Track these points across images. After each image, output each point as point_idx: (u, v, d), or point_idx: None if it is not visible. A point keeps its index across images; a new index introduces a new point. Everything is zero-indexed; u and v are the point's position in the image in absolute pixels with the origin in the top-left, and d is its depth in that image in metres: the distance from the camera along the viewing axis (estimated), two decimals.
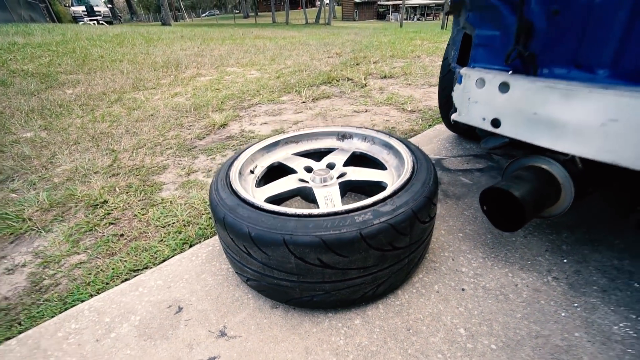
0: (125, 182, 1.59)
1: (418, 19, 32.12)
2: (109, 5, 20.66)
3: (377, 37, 7.83)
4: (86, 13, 18.13)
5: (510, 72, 0.82)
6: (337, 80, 3.24)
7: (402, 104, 2.44)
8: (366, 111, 2.33)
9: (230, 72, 4.05)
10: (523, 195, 0.75)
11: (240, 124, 2.30)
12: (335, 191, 0.89)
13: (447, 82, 1.52)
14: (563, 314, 0.75)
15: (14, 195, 1.56)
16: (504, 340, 0.70)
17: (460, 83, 0.91)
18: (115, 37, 6.85)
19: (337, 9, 35.38)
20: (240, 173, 0.93)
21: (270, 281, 0.74)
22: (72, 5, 19.08)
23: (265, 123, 2.28)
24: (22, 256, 1.17)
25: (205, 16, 55.88)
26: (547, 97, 0.71)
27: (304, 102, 2.64)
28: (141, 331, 0.79)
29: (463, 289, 0.83)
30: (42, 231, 1.28)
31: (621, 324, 0.72)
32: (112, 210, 1.38)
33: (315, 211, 0.70)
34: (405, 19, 29.33)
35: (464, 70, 0.90)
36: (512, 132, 0.80)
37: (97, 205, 1.41)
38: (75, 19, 18.25)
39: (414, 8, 32.96)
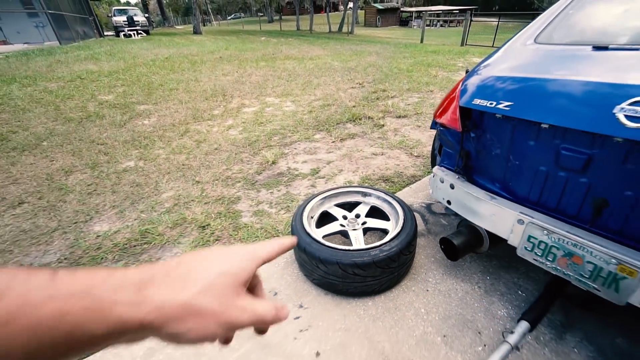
0: (216, 210, 2.38)
1: (441, 25, 32.23)
2: (146, 15, 22.11)
3: (397, 60, 8.48)
4: (127, 23, 19.50)
5: (457, 177, 1.53)
6: (359, 119, 3.97)
7: (411, 148, 3.14)
8: (382, 154, 3.05)
9: (270, 104, 4.85)
10: (459, 243, 1.46)
11: (287, 161, 3.07)
12: (360, 234, 1.63)
13: (434, 156, 2.22)
14: (476, 305, 1.45)
15: (143, 215, 2.38)
16: (442, 315, 1.42)
17: (432, 175, 1.63)
18: (166, 61, 7.84)
19: (360, 13, 35.88)
20: (308, 217, 1.69)
21: (326, 281, 1.48)
22: (115, 15, 20.49)
23: (305, 162, 3.04)
24: (170, 256, 1.96)
25: (231, 19, 57.77)
26: (470, 198, 1.42)
27: (333, 142, 3.38)
28: None
29: (427, 290, 1.55)
30: (175, 243, 2.08)
31: (504, 310, 1.42)
32: (214, 230, 2.16)
33: (351, 247, 1.44)
34: (428, 25, 29.62)
35: (435, 169, 1.62)
36: (456, 209, 1.51)
37: (204, 226, 2.20)
38: (117, 29, 19.59)
39: (437, 14, 33.07)
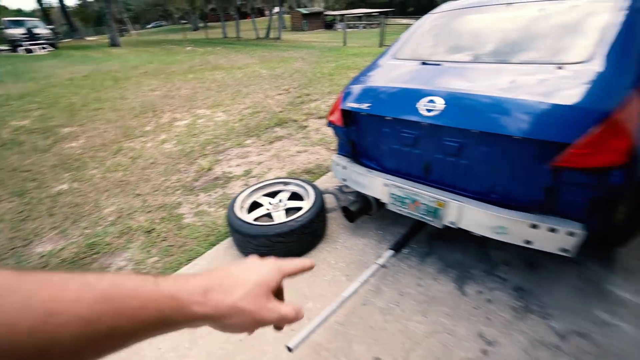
0: (159, 216, 2.64)
1: (364, 27, 34.32)
2: (50, 27, 19.95)
3: (320, 64, 9.16)
4: (27, 36, 17.26)
5: (348, 160, 2.06)
6: (286, 123, 4.45)
7: (329, 143, 3.69)
8: (305, 151, 3.55)
9: (201, 115, 5.08)
10: (354, 208, 1.99)
11: (221, 167, 3.40)
12: (282, 213, 2.08)
13: None
14: (371, 251, 2.00)
15: (88, 230, 2.55)
16: (347, 262, 1.93)
17: (333, 162, 2.15)
18: (85, 80, 7.48)
19: (286, 18, 36.49)
20: (240, 207, 2.09)
21: (258, 252, 1.90)
22: (8, 27, 17.86)
23: (238, 165, 3.40)
24: (121, 262, 2.20)
25: (151, 27, 54.33)
26: (356, 174, 1.95)
27: (263, 145, 3.80)
28: None
29: (337, 247, 2.05)
30: (123, 249, 2.32)
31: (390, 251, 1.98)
32: (160, 233, 2.44)
33: (273, 222, 1.88)
34: (351, 28, 31.38)
35: (333, 157, 2.13)
36: (350, 185, 2.04)
37: (150, 231, 2.46)
38: (13, 43, 17.17)
39: (359, 17, 35.14)
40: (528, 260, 1.86)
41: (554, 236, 1.33)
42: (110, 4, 17.63)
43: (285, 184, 2.36)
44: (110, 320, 0.29)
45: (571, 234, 1.30)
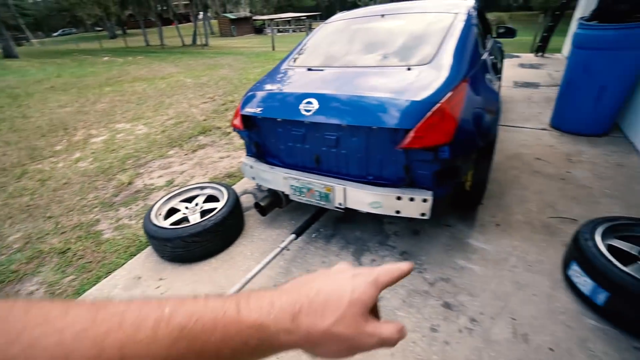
0: (75, 235, 2.57)
1: (293, 31, 34.85)
2: None
3: (247, 71, 9.24)
4: None
5: (254, 160, 2.26)
6: (209, 130, 4.50)
7: None
8: (228, 157, 3.68)
9: (121, 130, 4.87)
10: (264, 203, 2.19)
11: (143, 180, 3.37)
12: (198, 215, 2.20)
13: None
14: (282, 239, 2.23)
15: None
16: (261, 252, 2.13)
17: (242, 163, 2.33)
18: None
19: (214, 24, 35.46)
20: (156, 214, 2.17)
21: (175, 254, 2.01)
22: None
23: (160, 176, 3.40)
24: (32, 287, 2.13)
25: (58, 35, 48.51)
26: (262, 172, 2.16)
27: (186, 154, 3.83)
28: (127, 290, 1.96)
29: (252, 241, 2.24)
30: (34, 273, 2.23)
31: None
32: (76, 251, 2.39)
33: (187, 224, 2.00)
34: (281, 31, 31.70)
35: (243, 158, 2.32)
36: (259, 182, 2.24)
37: (64, 251, 2.40)
38: None
39: (288, 21, 35.60)
40: (413, 229, 2.24)
41: (413, 204, 1.69)
42: None
43: (202, 188, 2.48)
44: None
45: (425, 200, 1.66)
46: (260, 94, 2.08)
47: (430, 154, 1.60)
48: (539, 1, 28.55)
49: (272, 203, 2.23)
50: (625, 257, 1.55)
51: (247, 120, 2.14)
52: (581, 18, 3.05)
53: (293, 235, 1.95)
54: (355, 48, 2.31)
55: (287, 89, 2.00)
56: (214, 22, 35.29)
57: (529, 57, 7.95)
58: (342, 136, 1.79)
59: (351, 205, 1.86)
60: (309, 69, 2.16)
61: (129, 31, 42.81)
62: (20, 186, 3.37)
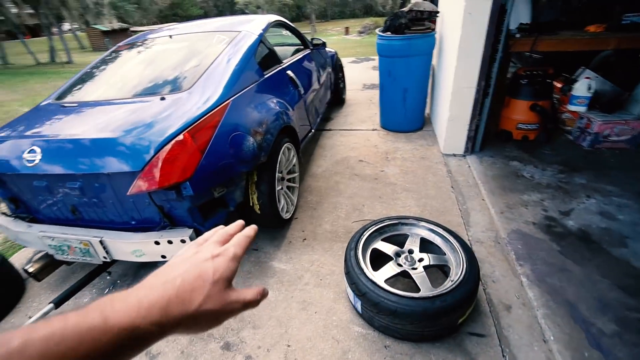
0: None
1: None
2: None
3: None
4: None
5: (11, 219, 1.84)
6: None
7: None
8: None
9: None
10: (33, 270, 1.80)
11: None
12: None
13: None
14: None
15: None
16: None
17: None
18: None
19: (82, 36, 30.98)
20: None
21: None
22: None
23: None
24: None
25: None
26: (19, 232, 1.76)
27: None
28: None
29: (28, 315, 1.84)
30: None
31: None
32: None
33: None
34: None
35: None
36: (22, 244, 1.84)
37: None
38: None
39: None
40: None
41: (175, 247, 1.54)
42: None
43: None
44: None
45: (183, 241, 1.53)
46: None
47: (171, 193, 1.47)
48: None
49: (47, 265, 1.86)
50: (385, 259, 1.68)
51: None
52: (378, 30, 3.39)
53: (50, 305, 1.62)
54: (123, 76, 2.08)
55: (17, 134, 1.66)
56: (82, 34, 30.75)
57: None
58: (84, 184, 1.54)
59: (117, 256, 1.63)
60: (62, 106, 1.85)
61: None
62: None
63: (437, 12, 3.27)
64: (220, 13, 53.77)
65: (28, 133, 1.64)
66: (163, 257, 1.58)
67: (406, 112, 3.54)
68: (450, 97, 2.85)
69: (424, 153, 3.21)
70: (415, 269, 1.59)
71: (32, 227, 1.74)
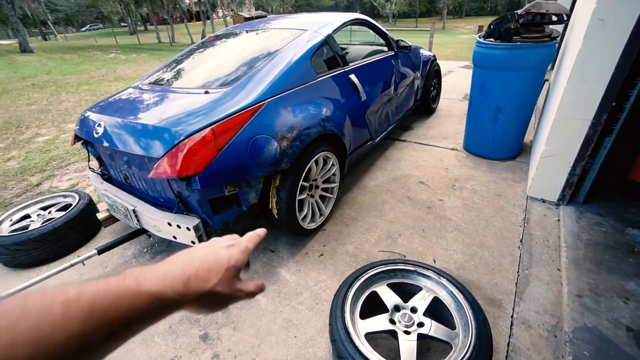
0: None
1: None
2: None
3: None
4: None
5: (91, 172, 2.26)
6: None
7: None
8: None
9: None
10: (102, 217, 2.21)
11: (52, 182, 3.47)
12: (39, 224, 2.25)
13: None
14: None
15: None
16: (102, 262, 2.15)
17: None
18: None
19: (230, 22, 36.08)
20: (10, 220, 2.22)
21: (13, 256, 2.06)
22: None
23: (70, 179, 3.50)
24: None
25: (86, 30, 50.82)
26: (98, 184, 2.16)
27: None
28: None
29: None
30: None
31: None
32: None
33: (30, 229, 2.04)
34: None
35: (87, 172, 2.34)
36: (100, 196, 2.26)
37: None
38: None
39: None
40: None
41: (181, 231, 1.65)
42: (13, 4, 16.14)
43: (65, 196, 2.54)
44: (103, 332, 0.31)
45: (188, 229, 1.62)
46: (83, 114, 2.08)
47: (183, 183, 1.56)
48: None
49: (110, 217, 2.24)
50: (381, 307, 1.45)
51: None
52: (479, 35, 2.87)
53: (94, 251, 1.95)
54: (195, 67, 2.28)
55: (100, 109, 2.00)
56: (230, 20, 35.87)
57: None
58: (130, 159, 1.77)
59: (144, 226, 1.85)
60: (140, 89, 2.15)
61: (150, 27, 44.17)
62: None
63: (566, 15, 2.56)
64: (350, 5, 54.97)
65: (108, 109, 1.97)
66: (174, 237, 1.71)
67: (495, 135, 2.96)
68: (550, 127, 2.25)
69: (503, 190, 2.64)
70: (408, 333, 1.32)
71: (103, 184, 2.12)
